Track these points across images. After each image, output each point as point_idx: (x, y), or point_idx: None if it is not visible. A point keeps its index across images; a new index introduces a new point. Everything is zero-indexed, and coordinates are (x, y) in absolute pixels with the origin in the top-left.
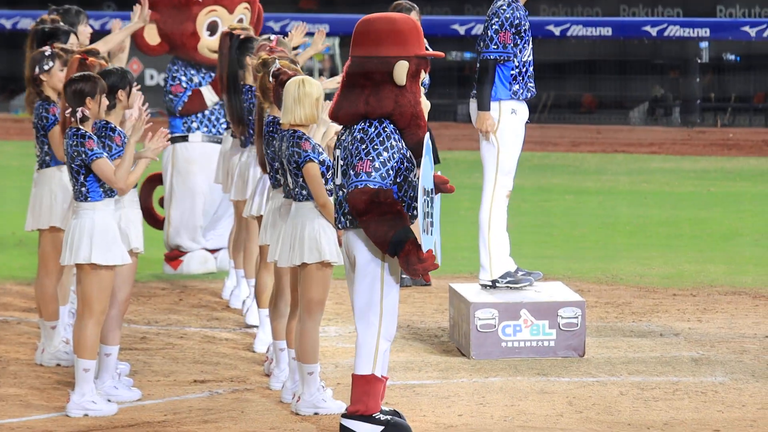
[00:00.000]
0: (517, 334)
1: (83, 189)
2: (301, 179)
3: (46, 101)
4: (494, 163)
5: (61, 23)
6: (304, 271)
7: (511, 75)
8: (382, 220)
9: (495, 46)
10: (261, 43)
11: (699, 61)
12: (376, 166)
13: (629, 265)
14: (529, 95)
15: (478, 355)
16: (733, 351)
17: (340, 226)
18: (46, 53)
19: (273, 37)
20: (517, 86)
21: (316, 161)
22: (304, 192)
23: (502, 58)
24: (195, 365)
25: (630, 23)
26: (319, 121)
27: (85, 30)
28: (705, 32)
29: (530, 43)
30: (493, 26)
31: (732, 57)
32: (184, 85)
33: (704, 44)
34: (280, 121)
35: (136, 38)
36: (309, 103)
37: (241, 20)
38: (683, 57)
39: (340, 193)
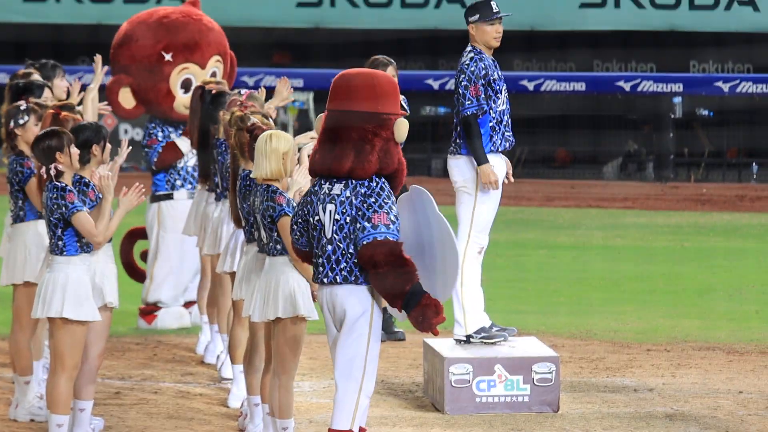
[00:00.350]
0: (492, 390)
1: (60, 243)
2: (275, 233)
3: (20, 156)
4: (469, 219)
5: (37, 77)
6: (278, 325)
7: (490, 127)
8: (400, 273)
9: (469, 102)
10: (232, 98)
11: (672, 116)
12: (392, 219)
13: (603, 320)
14: (507, 145)
15: (453, 410)
16: (707, 407)
17: (326, 280)
18: (21, 107)
19: (244, 91)
20: (496, 137)
21: (290, 215)
22: (279, 246)
23: (478, 112)
24: (169, 420)
25: (603, 78)
26: (288, 175)
27: (61, 84)
28: (678, 87)
29: (504, 92)
30: (462, 83)
31: (705, 112)
32: (160, 138)
33: (677, 99)
34: (253, 176)
35: (112, 103)
36: (275, 157)
37: (214, 74)
38: (656, 112)
39: (329, 248)
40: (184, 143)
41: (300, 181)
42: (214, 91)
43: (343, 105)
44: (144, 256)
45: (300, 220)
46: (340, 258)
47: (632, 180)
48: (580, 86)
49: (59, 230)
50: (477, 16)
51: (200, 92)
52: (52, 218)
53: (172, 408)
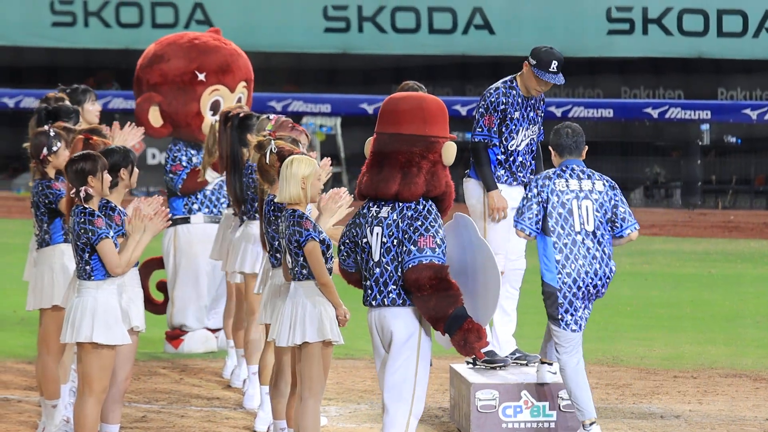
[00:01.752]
0: (518, 416)
1: (87, 267)
2: (301, 258)
3: (47, 180)
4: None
5: (67, 102)
6: (305, 350)
7: (497, 160)
8: (443, 296)
9: (479, 129)
10: (283, 121)
11: (700, 143)
12: (438, 242)
13: (630, 346)
14: (515, 183)
15: None
16: None
17: (375, 303)
18: (51, 134)
19: (272, 116)
20: (502, 171)
21: (317, 240)
22: (305, 271)
23: (485, 141)
24: None
25: (631, 105)
26: (310, 201)
27: (92, 108)
28: (706, 114)
29: (522, 133)
30: (480, 109)
31: (733, 139)
32: (184, 164)
33: (705, 126)
34: (277, 201)
35: (142, 121)
36: (294, 182)
37: (239, 99)
38: (684, 139)
39: (377, 270)
40: (211, 171)
41: (334, 209)
42: (241, 115)
43: (391, 128)
44: (160, 286)
45: (348, 242)
46: (388, 280)
47: (660, 207)
48: (608, 113)
49: (86, 255)
50: (534, 62)
51: (224, 117)
52: (79, 243)
53: None
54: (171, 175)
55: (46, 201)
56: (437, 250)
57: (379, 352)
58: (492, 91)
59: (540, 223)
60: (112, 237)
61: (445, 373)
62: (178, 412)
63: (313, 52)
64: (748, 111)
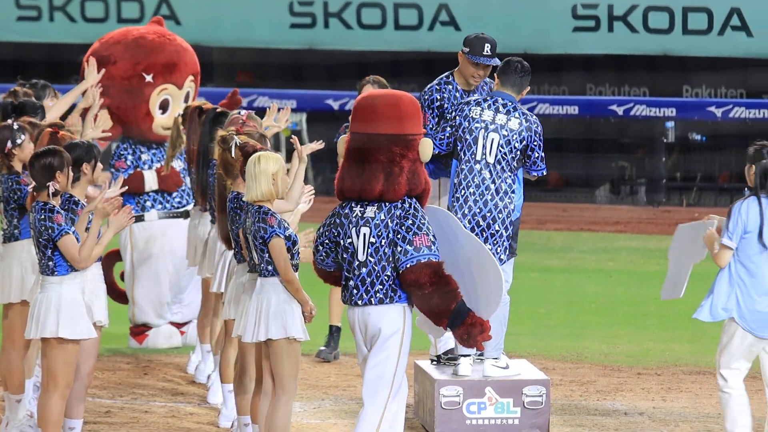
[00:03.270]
0: (482, 412)
1: (50, 263)
2: (266, 255)
3: (14, 174)
4: None
5: (32, 98)
6: (271, 347)
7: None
8: (445, 292)
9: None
10: (233, 117)
11: (665, 140)
12: (432, 239)
13: (594, 343)
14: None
15: None
16: (697, 431)
17: (360, 302)
18: (14, 127)
19: (244, 112)
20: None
21: (282, 236)
22: (270, 267)
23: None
24: None
25: (596, 102)
26: (279, 196)
27: (51, 104)
28: (671, 112)
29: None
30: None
31: (698, 137)
32: (128, 163)
33: (670, 124)
34: (245, 199)
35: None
36: (265, 179)
37: (188, 95)
38: (649, 136)
39: (363, 270)
40: (152, 180)
41: (304, 207)
42: (218, 110)
43: (369, 127)
44: (123, 276)
45: (327, 241)
46: (375, 280)
47: (625, 204)
48: (573, 110)
49: (48, 251)
50: (467, 49)
51: (197, 112)
52: (41, 239)
53: (163, 427)
54: (112, 171)
55: (15, 197)
56: (432, 247)
57: (361, 350)
58: (426, 89)
59: (450, 145)
60: (73, 232)
61: (410, 369)
62: (142, 408)
63: (278, 48)
64: (712, 108)
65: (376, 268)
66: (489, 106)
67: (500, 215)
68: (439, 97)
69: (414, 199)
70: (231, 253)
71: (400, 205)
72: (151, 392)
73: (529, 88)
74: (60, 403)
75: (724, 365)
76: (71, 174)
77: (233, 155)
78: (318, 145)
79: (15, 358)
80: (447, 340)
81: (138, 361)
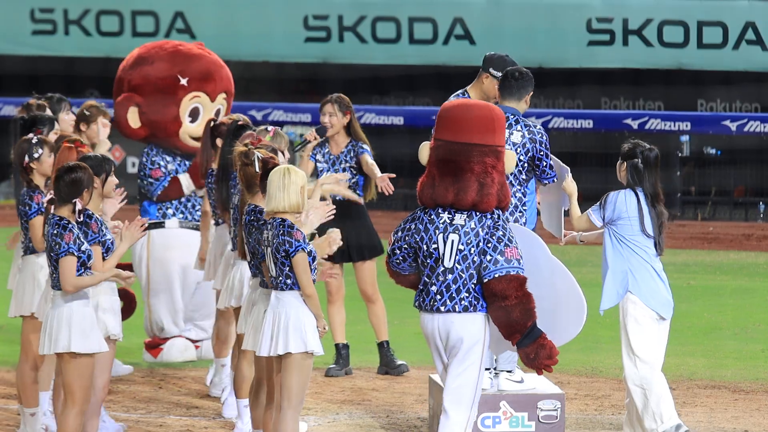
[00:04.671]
0: (497, 426)
1: None
2: (287, 268)
3: (33, 189)
4: None
5: (47, 111)
6: (287, 360)
7: None
8: (526, 309)
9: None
10: (247, 132)
11: (680, 154)
12: (520, 254)
13: (610, 357)
14: None
15: None
16: None
17: (443, 308)
18: (33, 141)
19: (270, 128)
20: None
21: (306, 251)
22: (289, 281)
23: None
24: None
25: (611, 116)
26: (304, 209)
27: (67, 118)
28: (686, 126)
29: None
30: None
31: (713, 151)
32: (164, 170)
33: (685, 138)
34: (267, 210)
35: (120, 120)
36: (294, 190)
37: (218, 111)
38: (664, 150)
39: (449, 277)
40: (188, 182)
41: (316, 222)
42: (239, 123)
43: (463, 137)
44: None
45: (405, 246)
46: (461, 287)
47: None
48: (588, 123)
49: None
50: (497, 72)
51: (219, 127)
52: (52, 254)
53: None
54: (150, 180)
55: (24, 211)
56: (521, 261)
57: (440, 358)
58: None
59: None
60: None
61: (424, 383)
62: (157, 422)
63: (293, 62)
64: (727, 122)
65: (463, 275)
66: None
67: (511, 234)
68: None
69: (501, 212)
70: (238, 268)
71: (490, 216)
72: (166, 406)
73: (531, 92)
74: (78, 418)
75: None
76: (94, 192)
77: (257, 169)
78: (342, 176)
79: (28, 371)
80: None
81: (153, 374)
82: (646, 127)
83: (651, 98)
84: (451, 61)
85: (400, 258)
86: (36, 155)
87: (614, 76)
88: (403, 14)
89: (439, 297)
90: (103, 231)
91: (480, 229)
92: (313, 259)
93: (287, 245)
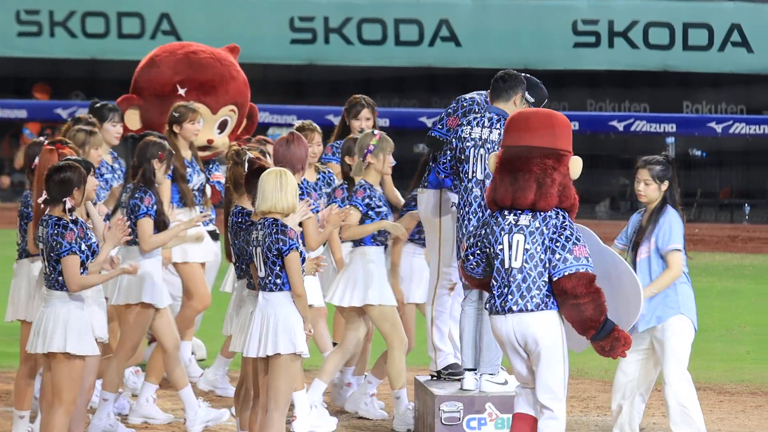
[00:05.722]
0: (482, 428)
1: (60, 278)
2: (277, 268)
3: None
4: (436, 254)
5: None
6: (275, 361)
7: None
8: (598, 305)
9: (440, 126)
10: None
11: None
12: (588, 252)
13: (595, 359)
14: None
15: None
16: None
17: (516, 308)
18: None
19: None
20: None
21: (299, 250)
22: (278, 281)
23: (441, 139)
24: None
25: (597, 118)
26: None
27: (111, 129)
28: (672, 128)
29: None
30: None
31: (698, 152)
32: None
33: (671, 139)
34: (256, 211)
35: None
36: (291, 192)
37: (224, 123)
38: (650, 152)
39: (519, 276)
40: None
41: (297, 219)
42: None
43: (523, 140)
44: None
45: (478, 252)
46: (531, 285)
47: (625, 219)
48: (574, 125)
49: (59, 266)
50: (534, 100)
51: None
52: (52, 254)
53: None
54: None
55: (26, 212)
56: (590, 259)
57: (521, 356)
58: (466, 97)
59: (454, 167)
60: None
61: (410, 384)
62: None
63: (279, 63)
64: (713, 124)
65: (532, 273)
66: (478, 123)
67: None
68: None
69: (566, 212)
70: None
71: (554, 216)
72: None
73: (521, 94)
74: (65, 418)
75: None
76: (86, 190)
77: (246, 169)
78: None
79: (25, 374)
80: (447, 356)
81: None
82: (632, 129)
83: (637, 100)
84: (438, 63)
85: (474, 263)
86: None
87: (600, 78)
88: (389, 16)
89: (510, 297)
90: (88, 234)
91: (545, 228)
92: (303, 260)
93: (281, 243)
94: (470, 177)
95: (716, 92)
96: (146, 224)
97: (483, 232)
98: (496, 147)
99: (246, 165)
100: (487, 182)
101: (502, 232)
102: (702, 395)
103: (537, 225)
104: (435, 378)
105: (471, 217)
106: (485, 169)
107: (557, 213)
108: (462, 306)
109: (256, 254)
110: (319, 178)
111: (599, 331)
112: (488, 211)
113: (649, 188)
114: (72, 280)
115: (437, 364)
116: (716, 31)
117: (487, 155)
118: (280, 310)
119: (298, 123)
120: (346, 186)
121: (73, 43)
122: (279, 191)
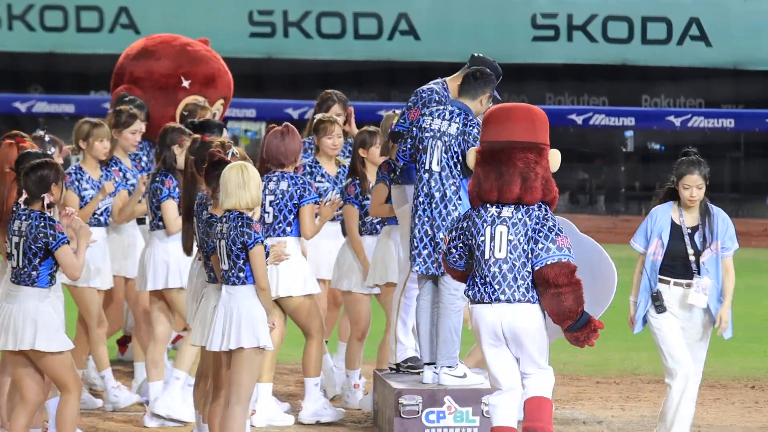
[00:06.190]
0: (441, 421)
1: (33, 273)
2: (240, 262)
3: None
4: (408, 244)
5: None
6: (238, 355)
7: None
8: (578, 295)
9: (402, 121)
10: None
11: (624, 149)
12: (570, 244)
13: (553, 352)
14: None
15: None
16: None
17: (503, 297)
18: (46, 139)
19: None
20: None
21: (263, 244)
22: (241, 275)
23: (405, 132)
24: None
25: (556, 111)
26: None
27: (131, 136)
28: (630, 121)
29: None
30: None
31: (657, 146)
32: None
33: (629, 133)
34: (221, 207)
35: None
36: (254, 186)
37: (214, 115)
38: (608, 145)
39: (504, 266)
40: None
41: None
42: (197, 121)
43: (504, 135)
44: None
45: (461, 245)
46: (517, 276)
47: (584, 213)
48: None
49: (36, 260)
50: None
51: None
52: (33, 246)
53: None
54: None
55: None
56: (572, 250)
57: (498, 346)
58: (433, 87)
59: (413, 156)
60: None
61: (368, 378)
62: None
63: (238, 57)
64: (671, 118)
65: (517, 264)
66: (439, 115)
67: (444, 222)
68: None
69: (548, 205)
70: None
71: (537, 208)
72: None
73: (488, 94)
74: (78, 403)
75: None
76: (64, 188)
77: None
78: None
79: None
80: (407, 349)
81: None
82: (591, 122)
83: (596, 94)
84: (397, 57)
85: (457, 256)
86: (49, 153)
87: (559, 72)
88: (348, 9)
89: (497, 287)
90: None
91: (527, 219)
92: (267, 254)
93: (246, 237)
94: (426, 167)
95: (675, 86)
96: (170, 207)
97: (465, 224)
98: (452, 140)
99: (229, 157)
100: (443, 174)
101: (485, 224)
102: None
103: (520, 216)
104: (394, 371)
105: (419, 207)
106: (441, 160)
107: (539, 206)
108: (417, 300)
109: (219, 247)
110: (339, 172)
111: (576, 322)
112: (441, 203)
113: (701, 191)
114: (75, 266)
115: (397, 357)
116: (675, 25)
117: (444, 147)
118: (243, 303)
119: (318, 116)
120: (358, 182)
121: (31, 37)
122: (242, 188)
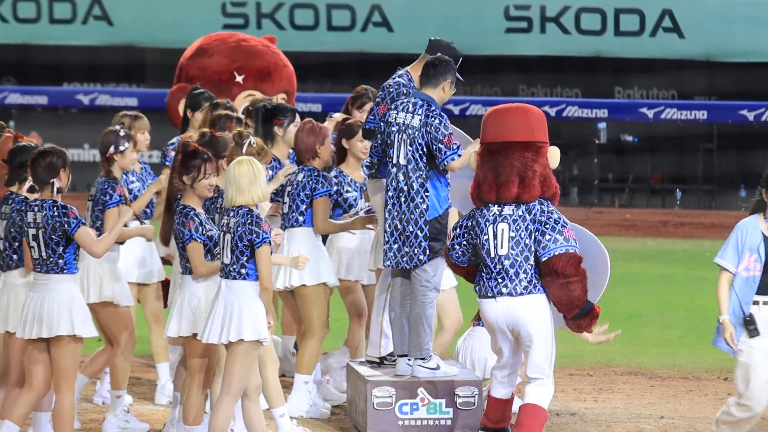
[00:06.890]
0: (414, 413)
1: (60, 261)
2: (244, 258)
3: (113, 180)
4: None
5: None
6: (235, 348)
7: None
8: (584, 285)
9: (372, 117)
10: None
11: (597, 141)
12: (574, 236)
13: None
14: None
15: None
16: (629, 431)
17: (505, 291)
18: (121, 134)
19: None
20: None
21: (269, 244)
22: (243, 271)
23: (375, 129)
24: None
25: (529, 103)
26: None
27: (141, 137)
28: (603, 113)
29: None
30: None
31: (630, 138)
32: None
33: (602, 125)
34: (231, 203)
35: (171, 110)
36: (262, 180)
37: None
38: (581, 137)
39: (507, 262)
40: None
41: (266, 209)
42: (269, 105)
43: (502, 136)
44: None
45: (464, 242)
46: (519, 270)
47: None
48: None
49: (60, 248)
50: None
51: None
52: (54, 236)
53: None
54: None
55: (104, 200)
56: (576, 242)
57: (507, 338)
58: (397, 79)
59: (382, 151)
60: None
61: (342, 369)
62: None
63: None
64: (644, 110)
65: (519, 258)
66: (404, 108)
67: (413, 216)
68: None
69: (549, 200)
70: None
71: (538, 204)
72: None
73: (450, 80)
74: (73, 398)
75: None
76: (70, 174)
77: (244, 152)
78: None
79: (10, 387)
80: (389, 342)
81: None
82: (564, 114)
83: (569, 86)
84: (370, 48)
85: (460, 253)
86: (122, 148)
87: (532, 64)
88: (321, 1)
89: (500, 280)
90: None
91: (528, 215)
92: (271, 253)
93: (254, 236)
94: (394, 161)
95: (648, 78)
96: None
97: (469, 224)
98: (416, 132)
99: (245, 148)
100: (409, 167)
101: (487, 223)
102: (634, 380)
103: (520, 213)
104: (377, 363)
105: (389, 201)
106: (407, 154)
107: (540, 201)
108: (389, 293)
109: (223, 240)
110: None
111: (582, 311)
112: (409, 196)
113: None
114: (95, 246)
115: (381, 350)
116: (648, 17)
117: (408, 140)
118: (245, 298)
119: (340, 117)
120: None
121: (4, 28)
122: (254, 183)
